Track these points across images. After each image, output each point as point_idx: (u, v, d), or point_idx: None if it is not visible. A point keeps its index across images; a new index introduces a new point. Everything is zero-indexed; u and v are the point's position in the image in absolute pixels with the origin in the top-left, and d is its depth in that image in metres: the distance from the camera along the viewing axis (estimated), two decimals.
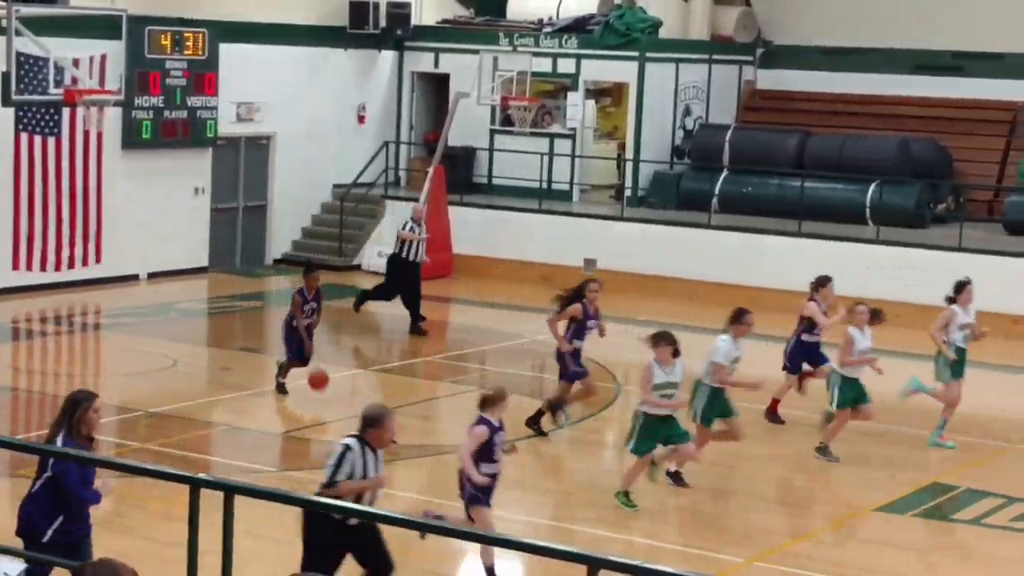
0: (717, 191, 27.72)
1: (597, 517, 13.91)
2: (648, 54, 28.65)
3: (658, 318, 23.98)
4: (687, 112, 29.79)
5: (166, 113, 25.60)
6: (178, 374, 19.29)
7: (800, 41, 30.61)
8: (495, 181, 29.32)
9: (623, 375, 20.14)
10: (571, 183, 28.88)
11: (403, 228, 22.68)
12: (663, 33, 29.38)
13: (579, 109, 29.11)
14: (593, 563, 6.68)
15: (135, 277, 25.68)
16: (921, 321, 23.52)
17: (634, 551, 12.59)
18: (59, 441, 9.70)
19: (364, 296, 23.34)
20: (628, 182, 28.98)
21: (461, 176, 28.60)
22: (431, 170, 26.84)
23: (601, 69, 29.25)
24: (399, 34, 29.51)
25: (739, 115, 30.68)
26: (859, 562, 12.87)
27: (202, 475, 7.95)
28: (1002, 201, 27.06)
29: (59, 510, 9.74)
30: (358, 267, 27.75)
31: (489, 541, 8.83)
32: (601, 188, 30.24)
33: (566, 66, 29.08)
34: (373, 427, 10.32)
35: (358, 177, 28.78)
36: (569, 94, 29.17)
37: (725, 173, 27.98)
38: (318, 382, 17.12)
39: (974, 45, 29.15)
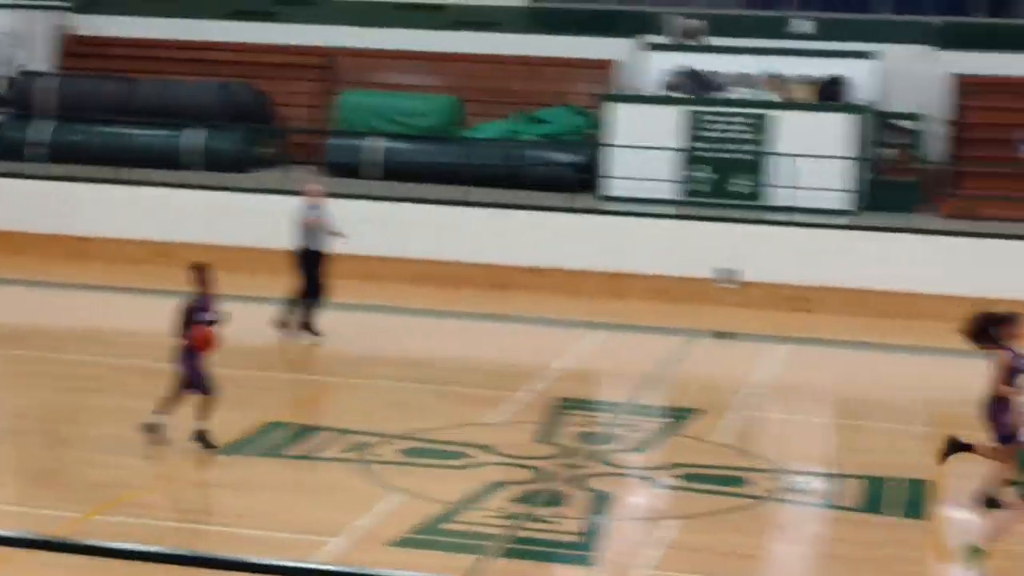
0: (48, 140, 27.07)
1: None
2: None
3: (10, 275, 23.28)
4: (8, 60, 28.79)
5: None
6: None
7: None
8: None
9: None
10: None
11: (304, 215, 19.68)
12: None
13: None
14: None
15: None
16: (256, 264, 24.16)
17: None
18: None
19: (290, 308, 19.50)
20: None
21: None
22: None
23: None
24: None
25: (62, 62, 30.02)
26: (202, 506, 13.12)
27: None
28: (323, 144, 28.04)
29: None
30: None
31: None
32: None
33: None
34: None
35: None
36: None
37: (52, 122, 27.33)
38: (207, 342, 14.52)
39: None
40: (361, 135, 26.78)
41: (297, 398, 16.79)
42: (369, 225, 24.41)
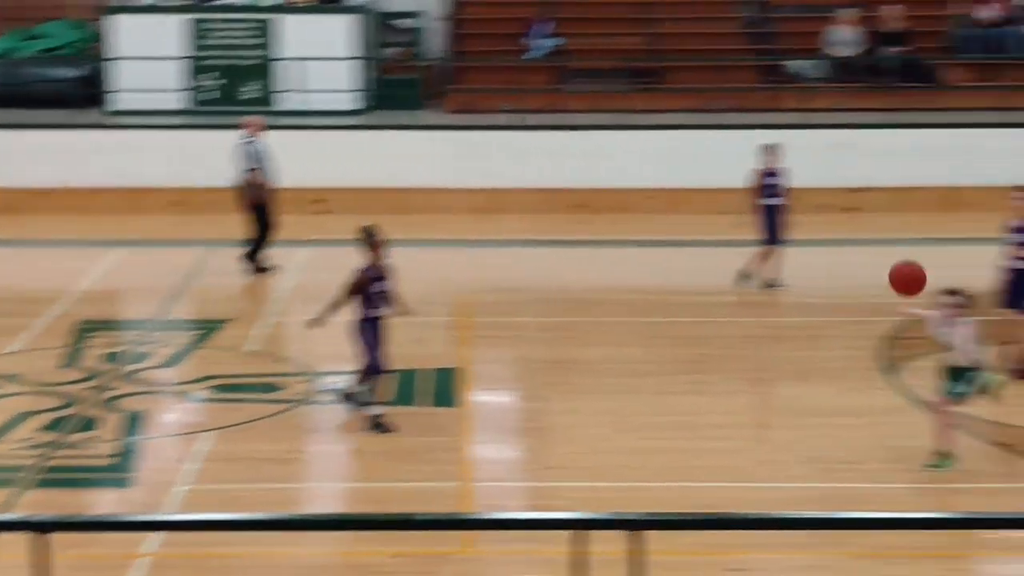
0: None
1: None
2: None
3: None
4: None
5: None
6: None
7: None
8: None
9: None
10: None
11: (243, 147, 18.88)
12: None
13: None
14: None
15: None
16: None
17: None
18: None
19: (254, 251, 18.85)
20: None
21: None
22: None
23: None
24: None
25: None
26: None
27: None
28: None
29: None
30: None
31: None
32: None
33: None
34: None
35: None
36: None
37: None
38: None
39: None
40: None
41: None
42: None
